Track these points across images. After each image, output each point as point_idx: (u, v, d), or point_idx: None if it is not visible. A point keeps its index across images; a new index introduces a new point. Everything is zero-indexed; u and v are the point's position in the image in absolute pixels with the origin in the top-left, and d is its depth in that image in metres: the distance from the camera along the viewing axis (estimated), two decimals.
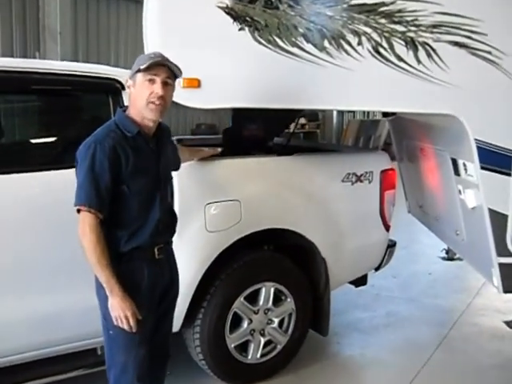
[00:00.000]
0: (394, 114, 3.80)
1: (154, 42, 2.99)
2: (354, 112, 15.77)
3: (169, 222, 2.57)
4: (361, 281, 4.17)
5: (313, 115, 14.45)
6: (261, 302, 3.43)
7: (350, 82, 3.09)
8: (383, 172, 3.87)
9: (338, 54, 3.04)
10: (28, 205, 2.73)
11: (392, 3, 3.03)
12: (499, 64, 3.21)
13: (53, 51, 7.75)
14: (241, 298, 3.32)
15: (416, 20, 3.04)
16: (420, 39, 3.03)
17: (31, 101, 3.19)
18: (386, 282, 5.49)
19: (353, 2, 3.04)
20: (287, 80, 3.10)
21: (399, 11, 3.04)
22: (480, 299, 5.17)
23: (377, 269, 4.18)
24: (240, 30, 2.97)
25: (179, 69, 2.42)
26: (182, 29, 2.94)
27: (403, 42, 3.03)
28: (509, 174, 3.40)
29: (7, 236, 2.69)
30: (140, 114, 2.37)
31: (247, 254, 3.37)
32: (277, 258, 3.50)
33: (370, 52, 3.03)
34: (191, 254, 3.10)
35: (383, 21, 3.01)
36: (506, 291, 3.53)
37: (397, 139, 5.18)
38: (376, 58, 3.03)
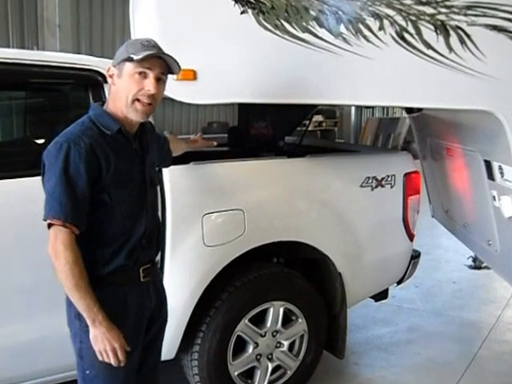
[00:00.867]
0: (419, 110, 3.37)
1: (141, 25, 2.61)
2: (372, 109, 15.35)
3: (154, 236, 2.19)
4: (381, 295, 3.77)
5: (330, 112, 13.99)
6: (268, 324, 3.03)
7: (370, 73, 2.67)
8: (406, 175, 3.46)
9: (356, 41, 2.62)
10: None
11: None
12: None
13: (52, 45, 7.40)
14: (245, 320, 2.93)
15: (447, 0, 2.60)
16: (452, 23, 2.59)
17: None
18: (408, 293, 5.07)
19: None
20: (297, 71, 2.69)
21: None
22: (510, 312, 4.75)
23: (399, 282, 3.77)
24: (242, 13, 2.57)
25: (177, 63, 2.04)
26: (174, 12, 2.56)
27: (432, 27, 2.59)
28: None
29: None
30: (121, 111, 1.99)
31: (253, 270, 2.97)
32: (286, 273, 3.09)
33: (393, 38, 2.60)
34: (187, 272, 2.71)
35: (409, 1, 2.58)
36: None
37: (419, 137, 4.74)
38: (400, 45, 2.60)
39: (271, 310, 3.02)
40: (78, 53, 7.15)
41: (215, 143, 2.92)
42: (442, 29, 2.58)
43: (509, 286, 3.92)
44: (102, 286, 1.98)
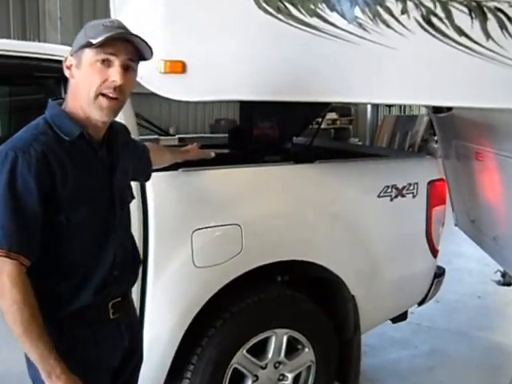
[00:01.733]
0: (448, 109, 2.94)
1: (122, 8, 2.21)
2: (389, 106, 14.87)
3: (128, 265, 1.81)
4: (400, 317, 3.34)
5: (344, 109, 13.49)
6: (270, 355, 2.62)
7: (391, 66, 2.25)
8: (431, 183, 3.04)
9: (373, 27, 2.19)
10: None
11: None
12: None
13: (53, 38, 7.06)
14: (243, 351, 2.52)
15: None
16: (490, 4, 2.14)
17: None
18: (428, 308, 4.55)
19: None
20: (304, 63, 2.28)
21: None
22: None
23: (420, 303, 3.36)
24: None
25: (149, 46, 1.65)
26: None
27: (466, 9, 2.15)
28: None
29: None
30: (83, 110, 1.60)
31: (252, 293, 2.56)
32: (291, 297, 2.68)
33: (418, 23, 2.16)
34: (173, 298, 2.32)
35: None
36: None
37: (443, 138, 4.31)
38: (427, 31, 2.16)
39: (273, 338, 2.61)
40: None
41: (213, 154, 2.51)
42: (478, 11, 2.13)
43: None
44: (65, 328, 1.62)
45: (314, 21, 2.20)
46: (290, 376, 2.72)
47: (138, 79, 2.24)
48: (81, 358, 1.62)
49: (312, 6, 2.18)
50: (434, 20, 2.15)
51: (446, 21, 2.14)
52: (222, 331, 2.47)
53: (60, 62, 1.68)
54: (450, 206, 4.42)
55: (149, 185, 2.24)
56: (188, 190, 2.36)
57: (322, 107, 3.51)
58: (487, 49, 2.15)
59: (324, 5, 2.18)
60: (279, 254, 2.53)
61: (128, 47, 1.60)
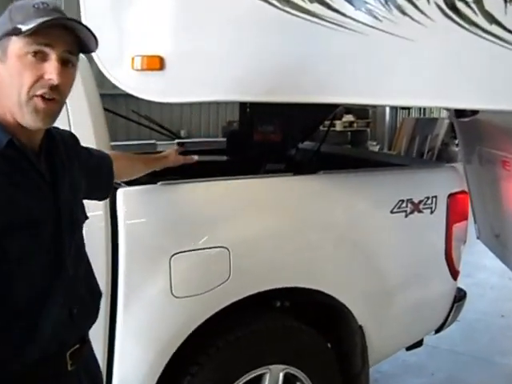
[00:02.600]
0: (473, 113, 2.57)
1: None
2: (408, 108, 14.44)
3: (86, 302, 1.47)
4: (414, 344, 2.97)
5: (362, 111, 13.07)
6: None
7: (407, 61, 1.88)
8: (451, 197, 2.67)
9: (386, 15, 1.83)
10: None
11: None
12: None
13: None
14: None
15: None
16: None
17: None
18: (446, 329, 4.23)
19: None
20: (303, 57, 1.93)
21: None
22: None
23: (438, 330, 2.98)
24: None
25: (93, 35, 1.32)
26: None
27: None
28: None
29: None
30: (11, 114, 1.26)
31: (243, 324, 2.21)
32: (290, 328, 2.32)
33: (440, 10, 1.79)
34: (148, 333, 1.98)
35: None
36: None
37: (466, 143, 3.93)
38: (451, 19, 1.79)
39: (267, 376, 2.26)
40: None
41: (196, 158, 2.17)
42: None
43: None
44: None
45: (316, 7, 1.84)
46: None
47: (109, 77, 1.93)
48: None
49: None
50: (460, 5, 1.78)
51: (473, 6, 1.77)
52: (207, 368, 2.12)
53: None
54: (472, 217, 4.04)
55: (120, 201, 1.91)
56: (167, 207, 2.03)
57: (330, 109, 3.15)
58: None
59: None
60: (274, 280, 2.18)
61: (67, 36, 1.26)
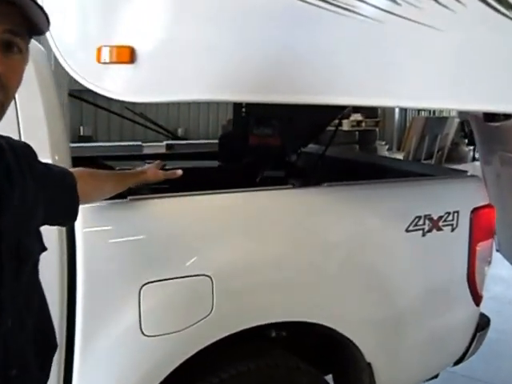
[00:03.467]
0: (507, 117, 2.21)
1: None
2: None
3: (29, 364, 1.14)
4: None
5: (370, 110, 12.68)
6: None
7: (431, 54, 1.53)
8: (475, 212, 2.32)
9: None
10: None
11: None
12: None
13: None
14: None
15: None
16: None
17: None
18: None
19: None
20: (304, 50, 1.58)
21: None
22: None
23: (457, 362, 2.62)
24: None
25: (43, 12, 0.99)
26: None
27: None
28: None
29: None
30: None
31: (227, 364, 1.86)
32: (285, 368, 1.97)
33: None
34: (110, 381, 1.63)
35: None
36: None
37: (485, 147, 3.58)
38: (487, 3, 1.45)
39: None
40: None
41: (179, 172, 1.82)
42: None
43: None
44: None
45: None
46: None
47: (70, 71, 1.60)
48: None
49: None
50: None
51: None
52: None
53: None
54: None
55: (78, 222, 1.57)
56: (137, 227, 1.68)
57: (338, 110, 2.80)
58: None
59: None
60: (266, 315, 1.83)
61: (10, 13, 0.94)
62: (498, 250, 3.81)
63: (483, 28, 1.47)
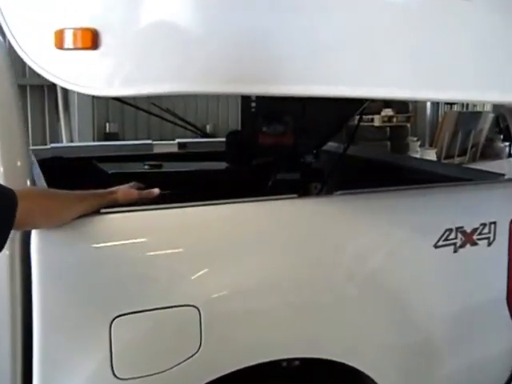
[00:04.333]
0: None
1: None
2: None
3: None
4: None
5: (402, 105, 12.26)
6: None
7: (462, 33, 1.22)
8: None
9: None
10: None
11: None
12: None
13: None
14: None
15: None
16: None
17: None
18: None
19: None
20: (307, 30, 1.29)
21: None
22: None
23: None
24: None
25: None
26: None
27: None
28: None
29: None
30: None
31: None
32: None
33: None
34: None
35: None
36: None
37: None
38: None
39: None
40: None
41: (156, 192, 1.54)
42: None
43: None
44: None
45: None
46: None
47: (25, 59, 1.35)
48: None
49: None
50: None
51: None
52: None
53: None
54: None
55: (33, 245, 1.30)
56: (108, 247, 1.40)
57: (357, 104, 2.49)
58: None
59: None
60: (266, 351, 1.54)
61: None
62: None
63: None
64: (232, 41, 1.28)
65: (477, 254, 1.92)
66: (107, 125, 7.32)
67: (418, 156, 9.72)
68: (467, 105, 15.18)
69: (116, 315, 1.35)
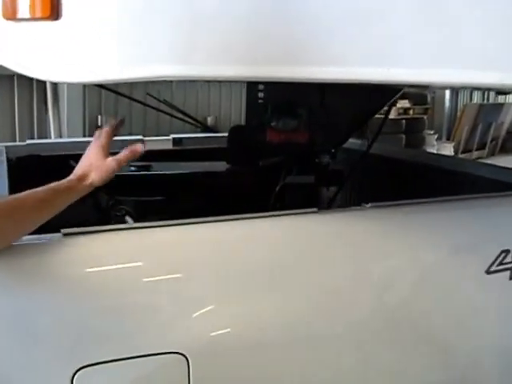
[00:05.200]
0: None
1: None
2: (471, 92, 13.40)
3: None
4: None
5: (418, 97, 11.84)
6: None
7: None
8: None
9: None
10: None
11: None
12: None
13: None
14: None
15: None
16: None
17: None
18: None
19: None
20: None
21: None
22: None
23: None
24: None
25: None
26: None
27: None
28: None
29: None
30: None
31: None
32: None
33: None
34: None
35: None
36: None
37: None
38: None
39: None
40: None
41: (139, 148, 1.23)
42: None
43: None
44: None
45: None
46: None
47: None
48: None
49: None
50: None
51: None
52: None
53: None
54: None
55: None
56: (69, 278, 1.08)
57: (387, 94, 2.15)
58: None
59: None
60: None
61: None
62: None
63: None
64: (228, 17, 0.95)
65: None
66: (99, 117, 6.93)
67: (434, 151, 9.40)
68: (488, 96, 14.85)
69: (80, 366, 1.03)
